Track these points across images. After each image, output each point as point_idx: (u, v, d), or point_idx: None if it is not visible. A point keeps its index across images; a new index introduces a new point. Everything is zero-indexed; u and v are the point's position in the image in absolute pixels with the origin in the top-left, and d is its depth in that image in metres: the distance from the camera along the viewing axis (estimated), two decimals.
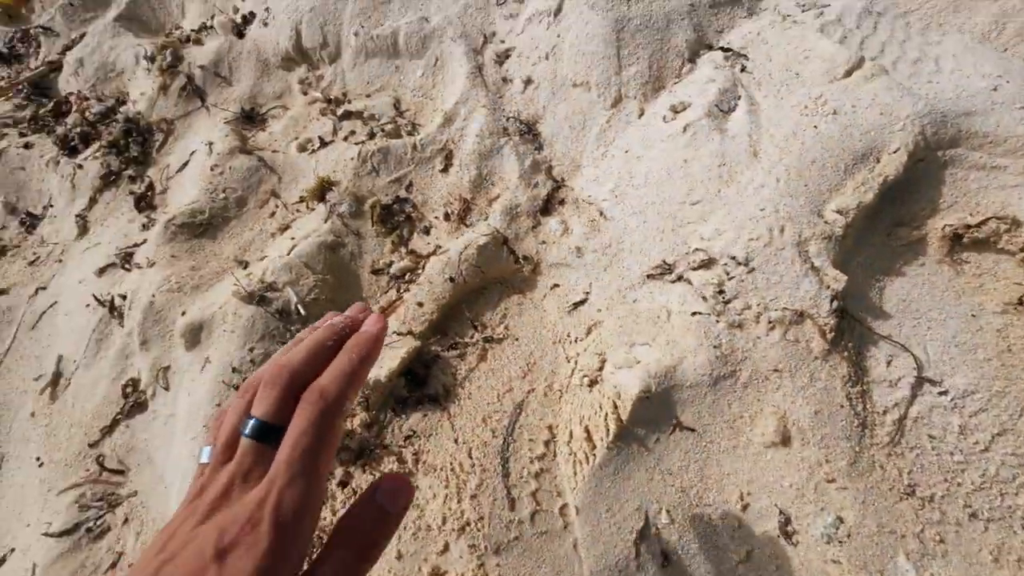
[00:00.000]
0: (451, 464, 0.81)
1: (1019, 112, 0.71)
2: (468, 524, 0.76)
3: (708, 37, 0.97)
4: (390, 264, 1.04)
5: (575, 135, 1.03)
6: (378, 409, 0.87)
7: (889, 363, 0.70)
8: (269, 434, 0.39)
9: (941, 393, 0.67)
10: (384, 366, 0.87)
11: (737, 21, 0.97)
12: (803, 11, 0.91)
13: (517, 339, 0.94)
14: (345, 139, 1.20)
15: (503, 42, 1.15)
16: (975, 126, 0.72)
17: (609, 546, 0.72)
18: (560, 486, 0.78)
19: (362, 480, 0.83)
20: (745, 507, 0.70)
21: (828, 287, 0.70)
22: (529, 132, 1.07)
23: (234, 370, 0.92)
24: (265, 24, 1.35)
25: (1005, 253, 0.70)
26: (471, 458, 0.82)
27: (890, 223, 0.75)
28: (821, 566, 0.64)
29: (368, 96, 1.27)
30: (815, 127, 0.76)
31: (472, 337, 0.95)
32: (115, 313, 1.09)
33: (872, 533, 0.62)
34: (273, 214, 1.15)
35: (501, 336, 0.95)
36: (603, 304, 0.88)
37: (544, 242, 0.98)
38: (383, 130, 1.18)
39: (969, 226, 0.71)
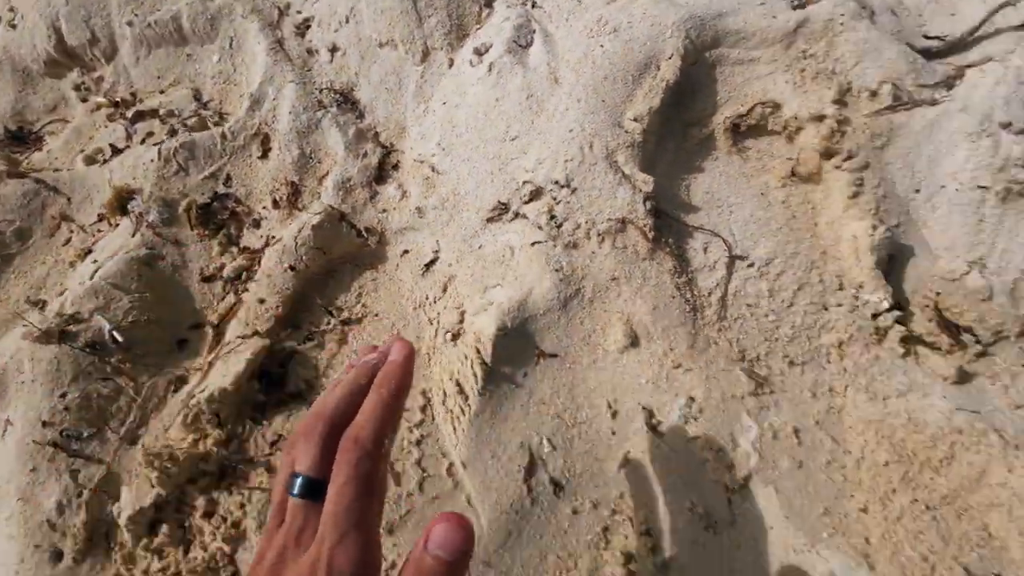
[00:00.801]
0: None
1: (760, 8, 0.78)
2: None
3: None
4: (222, 268, 0.92)
5: (394, 97, 0.98)
6: (233, 422, 0.78)
7: (706, 250, 0.75)
8: (315, 490, 0.37)
9: (749, 265, 0.73)
10: (228, 373, 0.77)
11: None
12: None
13: (377, 314, 0.88)
14: (143, 142, 1.03)
15: (300, 12, 1.05)
16: (728, 25, 0.78)
17: (501, 491, 0.70)
18: (444, 447, 0.75)
19: (230, 504, 0.73)
20: (615, 414, 0.71)
21: (640, 190, 0.74)
22: (346, 101, 1.00)
23: (44, 424, 0.76)
24: (13, 26, 1.12)
25: (774, 134, 0.78)
26: None
27: (682, 126, 0.81)
28: (685, 446, 0.67)
29: (162, 92, 1.11)
30: (601, 46, 0.79)
31: (329, 323, 0.88)
32: None
33: (718, 403, 0.67)
34: (69, 241, 0.97)
35: (360, 315, 0.88)
36: (453, 258, 0.85)
37: (385, 210, 0.93)
38: (185, 125, 1.03)
39: (741, 115, 0.77)
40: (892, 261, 0.73)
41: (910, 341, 0.66)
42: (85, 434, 0.76)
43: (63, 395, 0.78)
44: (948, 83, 0.73)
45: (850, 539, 0.57)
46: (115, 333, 0.80)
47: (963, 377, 0.63)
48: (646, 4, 0.79)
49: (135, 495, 0.71)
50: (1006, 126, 0.68)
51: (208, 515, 0.72)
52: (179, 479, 0.72)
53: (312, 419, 0.40)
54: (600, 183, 0.74)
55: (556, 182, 0.76)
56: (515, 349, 0.74)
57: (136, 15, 1.07)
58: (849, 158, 0.72)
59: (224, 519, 0.72)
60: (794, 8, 0.77)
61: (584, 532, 0.68)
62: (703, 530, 0.64)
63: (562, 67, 0.81)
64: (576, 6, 0.85)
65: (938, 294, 0.70)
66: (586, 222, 0.74)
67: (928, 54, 0.75)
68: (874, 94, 0.73)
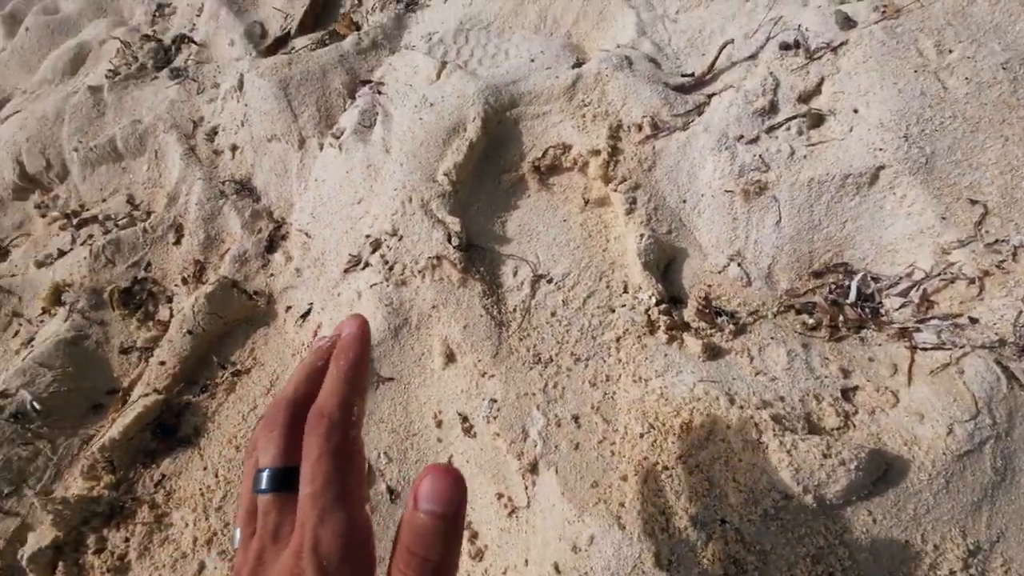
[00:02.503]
0: (200, 490, 0.88)
1: (546, 72, 0.97)
2: (215, 534, 0.82)
3: (362, 76, 1.19)
4: (137, 340, 1.11)
5: (281, 180, 1.19)
6: (126, 469, 0.92)
7: (515, 274, 0.90)
8: (285, 480, 0.35)
9: (549, 281, 0.87)
10: (117, 423, 0.92)
11: (383, 60, 1.22)
12: (422, 40, 1.17)
13: (264, 365, 1.04)
14: (83, 244, 1.27)
15: (209, 122, 1.31)
16: (521, 89, 0.97)
17: None
18: None
19: (116, 539, 0.86)
20: (439, 423, 0.83)
21: (449, 229, 0.90)
22: (244, 189, 1.22)
23: None
24: None
25: (570, 170, 0.95)
26: (217, 477, 0.88)
27: (496, 173, 0.98)
28: (491, 443, 0.78)
29: (104, 201, 1.36)
30: (421, 119, 0.98)
31: (221, 376, 1.03)
32: None
33: (513, 401, 0.78)
34: (17, 333, 1.18)
35: (249, 367, 1.04)
36: (320, 307, 1.02)
37: (272, 275, 1.11)
38: (117, 225, 1.27)
39: (538, 158, 0.94)
40: (673, 263, 0.86)
41: (677, 329, 0.77)
42: (5, 491, 0.91)
43: None
44: (699, 110, 0.89)
45: (610, 506, 0.66)
46: (34, 403, 0.97)
47: (713, 354, 0.73)
48: (455, 81, 1.00)
49: (37, 538, 0.85)
50: (739, 139, 0.83)
51: (99, 551, 0.85)
52: (72, 521, 0.85)
53: (271, 410, 0.38)
54: (419, 228, 0.91)
55: (387, 232, 0.93)
56: None
57: (81, 142, 1.35)
58: (622, 181, 0.87)
59: (112, 553, 0.84)
60: (572, 68, 0.96)
61: None
62: (507, 516, 0.74)
63: (393, 140, 1.00)
64: (408, 89, 1.06)
65: (709, 286, 0.82)
66: (411, 262, 0.90)
67: (683, 89, 0.92)
68: (639, 127, 0.90)
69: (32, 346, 1.09)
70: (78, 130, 1.37)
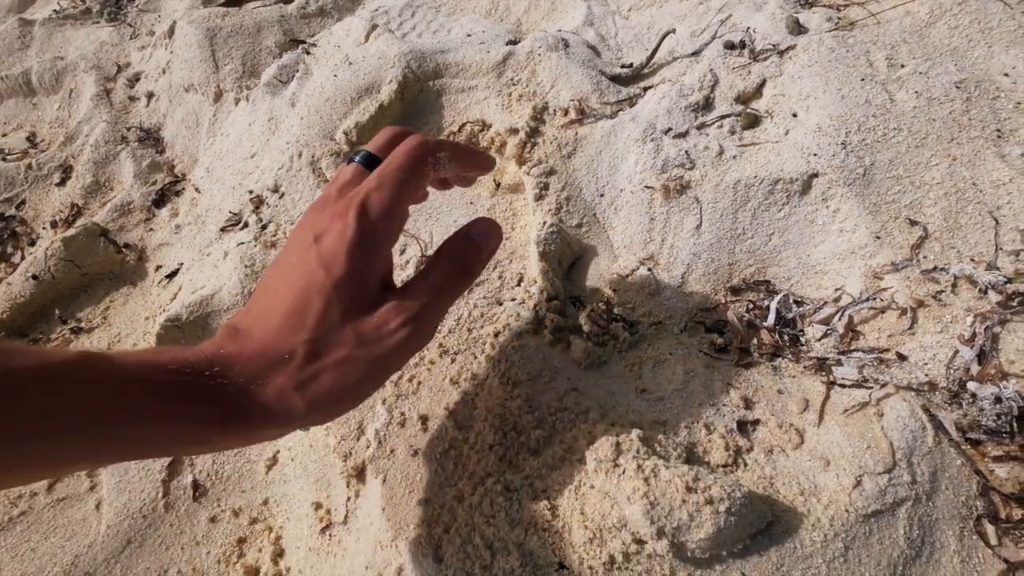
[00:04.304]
0: None
1: (479, 47, 0.89)
2: None
3: (300, 38, 1.12)
4: None
5: (191, 133, 1.09)
6: None
7: (402, 252, 0.78)
8: (372, 163, 0.44)
9: None
10: None
11: (327, 27, 1.14)
12: (369, 12, 1.11)
13: (111, 326, 0.90)
14: None
15: (134, 68, 1.22)
16: (449, 59, 0.89)
17: (135, 492, 0.66)
18: None
19: None
20: None
21: None
22: (150, 138, 1.11)
23: None
24: None
25: (487, 150, 0.85)
26: None
27: None
28: (323, 439, 0.64)
29: (4, 135, 1.24)
30: (335, 76, 0.89)
31: (58, 333, 0.89)
32: None
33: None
34: None
35: (95, 326, 0.90)
36: (186, 268, 0.89)
37: (152, 229, 0.99)
38: (5, 159, 1.14)
39: (453, 133, 0.85)
40: (579, 261, 0.75)
41: (565, 331, 0.65)
42: None
43: None
44: (631, 101, 0.81)
45: (432, 530, 0.52)
46: None
47: (598, 362, 0.61)
48: (380, 43, 0.92)
49: None
50: (667, 132, 0.74)
51: None
52: None
53: (399, 127, 0.49)
54: (302, 187, 0.80)
55: (269, 188, 0.82)
56: (194, 344, 0.74)
57: None
58: (537, 164, 0.77)
59: None
60: (506, 45, 0.88)
61: (218, 543, 0.63)
62: (319, 533, 0.59)
63: (302, 95, 0.91)
64: (335, 50, 0.98)
65: (614, 291, 0.70)
66: (286, 222, 0.79)
67: (620, 80, 0.84)
68: (565, 111, 0.81)
69: None
70: None
